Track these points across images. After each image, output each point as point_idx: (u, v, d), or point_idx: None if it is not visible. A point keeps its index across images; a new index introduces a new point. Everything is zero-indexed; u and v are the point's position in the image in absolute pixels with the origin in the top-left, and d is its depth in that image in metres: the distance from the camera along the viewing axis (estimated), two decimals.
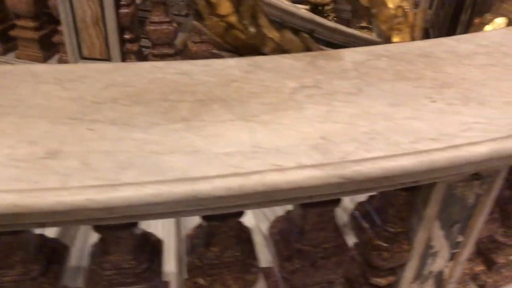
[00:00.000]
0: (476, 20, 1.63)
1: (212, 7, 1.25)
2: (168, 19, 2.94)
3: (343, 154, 0.84)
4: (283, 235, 1.25)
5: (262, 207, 0.94)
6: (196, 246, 1.17)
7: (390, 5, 1.40)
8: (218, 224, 1.09)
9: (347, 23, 4.12)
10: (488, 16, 1.63)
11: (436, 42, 1.23)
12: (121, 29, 2.93)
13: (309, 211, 1.13)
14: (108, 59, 3.00)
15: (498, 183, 1.22)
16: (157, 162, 0.80)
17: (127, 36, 2.99)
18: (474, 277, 1.61)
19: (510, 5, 1.56)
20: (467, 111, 0.96)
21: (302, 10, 3.11)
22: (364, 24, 4.01)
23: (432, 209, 1.16)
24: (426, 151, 0.85)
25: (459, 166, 0.87)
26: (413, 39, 1.47)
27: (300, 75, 1.07)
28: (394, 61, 1.14)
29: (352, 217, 1.36)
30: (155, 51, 3.00)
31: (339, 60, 1.13)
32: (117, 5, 2.83)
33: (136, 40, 3.06)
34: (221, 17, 1.26)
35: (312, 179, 0.80)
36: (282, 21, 1.56)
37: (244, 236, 1.20)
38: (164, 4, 2.93)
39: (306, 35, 1.39)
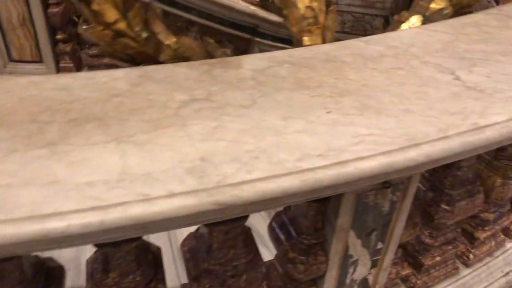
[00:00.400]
0: (395, 17, 1.59)
1: (96, 15, 1.14)
2: None
3: (221, 178, 0.77)
4: (192, 253, 1.17)
5: (145, 234, 0.86)
6: (95, 272, 1.08)
7: (300, 5, 1.33)
8: (112, 250, 1.01)
9: None
10: (405, 13, 1.58)
11: (343, 44, 1.17)
12: (52, 29, 2.78)
13: (213, 229, 1.06)
14: (40, 61, 2.85)
15: (413, 189, 1.18)
16: (6, 197, 0.71)
17: (59, 37, 2.84)
18: (404, 280, 1.59)
19: (426, 2, 1.51)
20: (361, 122, 0.90)
21: (243, 4, 3.01)
22: None
23: (343, 219, 1.11)
24: (310, 170, 0.78)
25: (346, 184, 0.81)
26: (324, 41, 1.41)
27: (192, 86, 0.99)
28: (296, 67, 1.07)
29: (270, 228, 1.30)
30: (90, 52, 2.86)
31: (238, 68, 1.06)
32: (45, 4, 2.68)
33: (70, 40, 2.91)
34: (108, 25, 1.16)
35: (183, 208, 0.73)
36: (185, 26, 1.46)
37: (148, 258, 1.12)
38: None
39: (210, 40, 1.31)
